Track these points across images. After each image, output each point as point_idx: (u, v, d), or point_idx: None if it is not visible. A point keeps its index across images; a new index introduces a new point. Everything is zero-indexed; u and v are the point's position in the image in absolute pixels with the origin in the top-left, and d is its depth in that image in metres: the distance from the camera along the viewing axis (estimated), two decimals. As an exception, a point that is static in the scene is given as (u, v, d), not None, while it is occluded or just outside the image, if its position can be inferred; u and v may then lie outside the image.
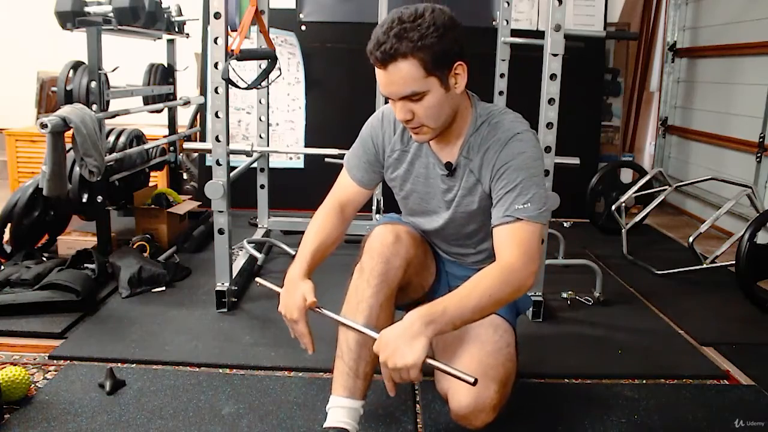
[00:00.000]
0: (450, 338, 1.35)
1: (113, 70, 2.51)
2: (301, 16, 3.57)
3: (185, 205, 3.07)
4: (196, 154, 3.75)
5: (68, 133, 2.30)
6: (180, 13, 3.07)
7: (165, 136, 3.30)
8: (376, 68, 1.24)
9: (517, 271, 1.22)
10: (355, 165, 1.50)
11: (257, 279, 1.52)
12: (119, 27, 2.47)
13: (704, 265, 2.60)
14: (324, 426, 1.29)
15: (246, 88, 2.34)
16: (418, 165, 1.43)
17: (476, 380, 1.11)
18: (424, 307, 1.17)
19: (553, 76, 1.98)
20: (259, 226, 3.08)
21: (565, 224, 3.52)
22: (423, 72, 1.20)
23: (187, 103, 3.29)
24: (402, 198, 1.52)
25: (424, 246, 1.51)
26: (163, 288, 2.35)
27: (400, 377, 1.14)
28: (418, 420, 1.55)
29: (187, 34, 3.21)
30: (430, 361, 1.14)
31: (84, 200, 2.58)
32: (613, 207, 3.13)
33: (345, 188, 1.52)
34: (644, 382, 1.79)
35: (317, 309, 1.31)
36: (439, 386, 1.33)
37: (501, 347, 1.30)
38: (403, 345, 1.12)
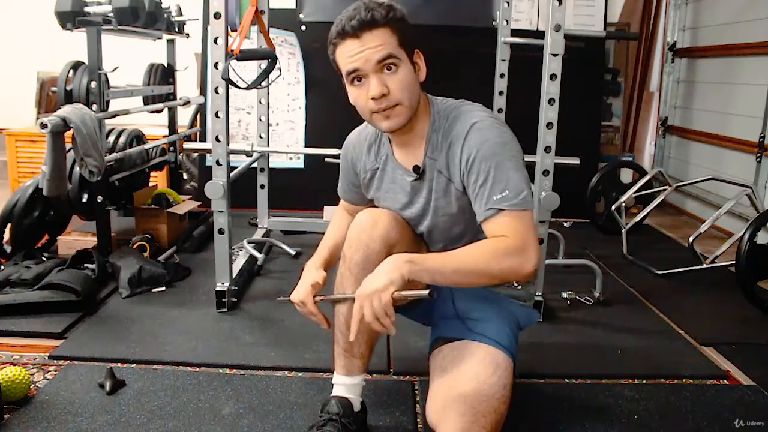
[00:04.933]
0: (446, 361, 1.31)
1: (113, 70, 2.51)
2: (301, 16, 3.57)
3: (185, 205, 3.07)
4: (196, 154, 3.75)
5: (68, 133, 2.30)
6: (180, 13, 3.07)
7: (165, 136, 3.30)
8: (341, 44, 1.27)
9: (512, 248, 1.19)
10: (346, 190, 1.60)
11: (278, 299, 1.55)
12: (119, 27, 2.47)
13: (704, 265, 2.60)
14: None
15: (246, 88, 2.34)
16: (386, 180, 1.45)
17: (431, 292, 1.14)
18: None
19: (553, 76, 1.98)
20: (259, 226, 3.08)
21: (565, 224, 3.52)
22: (396, 40, 1.25)
23: (187, 103, 3.29)
24: None
25: (410, 229, 1.47)
26: (163, 288, 2.35)
27: (371, 307, 1.13)
28: (418, 420, 1.55)
29: (187, 34, 3.21)
30: (398, 293, 1.14)
31: (84, 200, 2.58)
32: (613, 207, 3.12)
33: (347, 207, 1.63)
34: (644, 382, 1.79)
35: (317, 297, 1.38)
36: (428, 418, 1.29)
37: (496, 391, 1.22)
38: (375, 276, 1.16)
